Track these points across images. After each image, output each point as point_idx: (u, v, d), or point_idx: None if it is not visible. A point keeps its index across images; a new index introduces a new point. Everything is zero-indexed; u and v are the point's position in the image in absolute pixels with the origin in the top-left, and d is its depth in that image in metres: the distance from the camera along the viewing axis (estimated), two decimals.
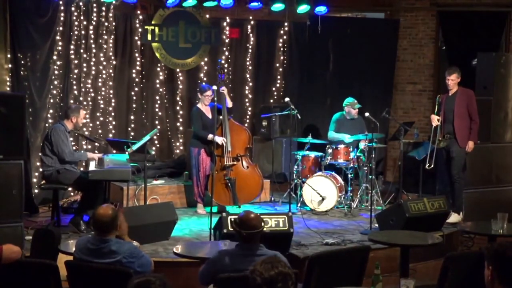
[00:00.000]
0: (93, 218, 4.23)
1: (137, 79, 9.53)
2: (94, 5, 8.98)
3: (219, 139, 7.94)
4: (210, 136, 7.73)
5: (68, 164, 7.10)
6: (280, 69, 10.34)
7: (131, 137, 9.32)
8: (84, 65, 8.97)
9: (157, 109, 9.75)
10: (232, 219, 4.39)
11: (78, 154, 7.39)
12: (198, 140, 8.08)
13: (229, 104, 8.14)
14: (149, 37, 9.50)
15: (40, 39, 8.51)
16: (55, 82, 8.66)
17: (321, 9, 9.47)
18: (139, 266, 4.14)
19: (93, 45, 9.03)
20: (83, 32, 8.94)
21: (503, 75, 8.06)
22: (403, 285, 3.83)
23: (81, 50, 8.93)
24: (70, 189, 7.90)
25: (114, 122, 9.35)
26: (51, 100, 8.61)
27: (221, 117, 8.09)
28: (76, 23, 8.86)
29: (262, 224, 4.29)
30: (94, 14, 9.00)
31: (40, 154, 7.37)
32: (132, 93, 9.53)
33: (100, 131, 9.18)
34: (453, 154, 7.72)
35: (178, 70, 9.83)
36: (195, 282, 5.28)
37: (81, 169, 7.82)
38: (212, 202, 6.89)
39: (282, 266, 2.97)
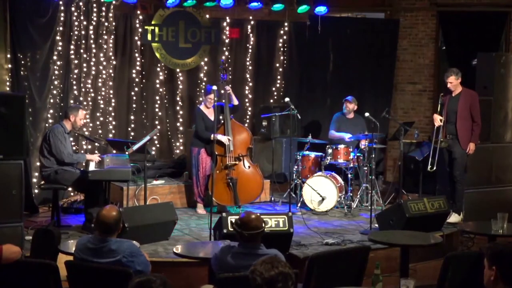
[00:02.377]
0: (97, 219, 4.24)
1: (137, 79, 9.53)
2: (94, 5, 8.98)
3: (223, 138, 7.93)
4: (213, 136, 7.70)
5: (66, 165, 7.09)
6: (280, 69, 10.34)
7: (131, 137, 9.32)
8: (84, 65, 8.97)
9: (157, 109, 9.74)
10: (233, 220, 4.42)
11: (76, 156, 7.31)
12: (199, 140, 8.08)
13: (235, 101, 8.14)
14: (149, 37, 9.50)
15: (40, 39, 8.50)
16: (55, 82, 8.65)
17: (321, 9, 9.47)
18: (139, 265, 4.15)
19: (93, 45, 9.03)
20: (83, 32, 8.93)
21: (503, 75, 8.05)
22: (403, 285, 3.83)
23: (81, 50, 8.93)
24: (70, 189, 7.90)
25: (114, 122, 9.35)
26: (51, 100, 8.61)
27: (221, 116, 8.08)
28: (76, 23, 8.86)
29: (263, 224, 4.31)
30: (94, 14, 9.00)
31: (39, 155, 7.35)
32: (132, 93, 9.53)
33: (100, 131, 9.18)
34: (455, 155, 7.71)
35: (178, 70, 9.83)
36: (195, 282, 5.29)
37: (81, 168, 7.79)
38: (213, 202, 6.89)
39: (282, 266, 2.97)
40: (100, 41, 9.10)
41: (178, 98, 9.88)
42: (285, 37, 10.29)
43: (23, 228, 6.01)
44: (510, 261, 3.11)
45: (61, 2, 8.63)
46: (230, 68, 10.04)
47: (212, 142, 7.55)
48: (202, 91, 8.58)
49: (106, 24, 9.12)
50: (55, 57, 8.63)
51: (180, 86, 9.90)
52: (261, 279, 2.93)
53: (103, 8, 9.05)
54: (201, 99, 8.21)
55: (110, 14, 9.14)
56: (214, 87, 7.61)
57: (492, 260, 3.14)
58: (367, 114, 8.03)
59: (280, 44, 10.30)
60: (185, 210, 8.33)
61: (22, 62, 8.37)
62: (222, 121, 8.09)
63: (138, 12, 9.43)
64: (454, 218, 7.62)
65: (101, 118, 9.19)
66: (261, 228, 4.26)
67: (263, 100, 10.32)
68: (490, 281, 3.14)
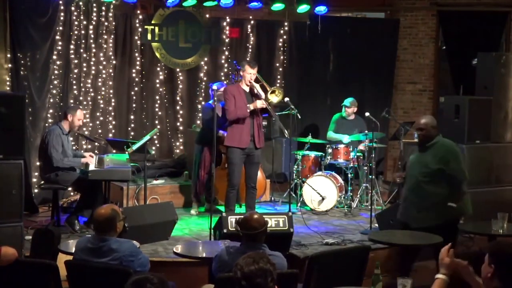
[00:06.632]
0: (92, 218, 4.23)
1: (137, 79, 9.52)
2: (94, 4, 8.97)
3: None
4: (220, 132, 7.65)
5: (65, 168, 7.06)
6: (280, 69, 10.34)
7: (131, 137, 9.31)
8: (84, 65, 8.96)
9: (157, 109, 9.74)
10: (237, 218, 4.46)
11: (69, 161, 7.13)
12: (207, 138, 8.03)
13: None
14: (149, 37, 9.49)
15: (40, 39, 8.49)
16: (55, 82, 8.65)
17: (321, 9, 9.47)
18: (139, 266, 4.14)
19: (93, 45, 9.02)
20: (83, 32, 8.93)
21: (503, 75, 8.05)
22: (399, 284, 3.83)
23: (81, 50, 8.93)
24: (70, 189, 7.89)
25: (114, 122, 9.35)
26: (51, 100, 8.60)
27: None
28: (76, 22, 8.85)
29: (264, 226, 4.30)
30: (94, 14, 8.99)
31: (38, 157, 7.33)
32: (132, 93, 9.53)
33: (100, 131, 9.17)
34: None
35: (178, 69, 9.83)
36: (195, 282, 5.29)
37: (82, 168, 7.77)
38: (212, 201, 6.88)
39: (263, 262, 2.96)
40: (100, 40, 9.09)
41: (178, 98, 9.87)
42: (285, 37, 10.28)
43: (23, 228, 6.01)
44: (508, 262, 3.13)
45: (61, 2, 8.62)
46: (230, 68, 10.03)
47: (218, 139, 7.44)
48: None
49: (106, 24, 9.12)
50: (55, 57, 8.62)
51: (180, 86, 9.89)
52: (241, 273, 2.93)
53: (103, 8, 9.05)
54: (214, 97, 7.98)
55: (110, 14, 9.14)
56: (214, 87, 7.55)
57: (492, 258, 3.16)
58: (367, 114, 8.03)
59: (280, 44, 10.29)
60: (185, 210, 8.32)
61: (22, 61, 8.36)
62: None
63: (138, 12, 9.42)
64: None
65: (101, 118, 9.19)
66: (258, 229, 4.25)
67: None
68: (487, 277, 3.17)
